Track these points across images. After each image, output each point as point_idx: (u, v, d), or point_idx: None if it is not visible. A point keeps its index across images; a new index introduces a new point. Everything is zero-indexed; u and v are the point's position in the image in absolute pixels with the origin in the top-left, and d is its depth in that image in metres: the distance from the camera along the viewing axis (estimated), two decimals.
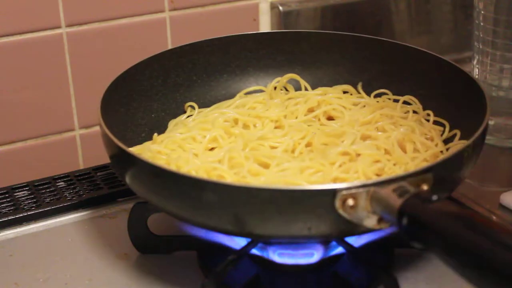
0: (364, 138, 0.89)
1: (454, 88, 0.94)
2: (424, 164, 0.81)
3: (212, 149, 0.90)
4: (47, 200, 0.99)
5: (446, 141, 0.91)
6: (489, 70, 1.09)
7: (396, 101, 0.98)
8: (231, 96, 1.03)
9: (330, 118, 0.97)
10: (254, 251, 0.83)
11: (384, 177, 0.76)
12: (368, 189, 0.69)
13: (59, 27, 1.07)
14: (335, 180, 0.80)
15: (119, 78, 0.93)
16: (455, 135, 0.90)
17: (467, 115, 0.89)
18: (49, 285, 0.85)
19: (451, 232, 0.61)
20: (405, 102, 0.98)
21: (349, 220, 0.70)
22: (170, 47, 1.15)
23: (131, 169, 0.78)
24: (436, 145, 0.88)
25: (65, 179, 1.04)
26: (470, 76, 0.91)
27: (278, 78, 1.04)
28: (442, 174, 0.74)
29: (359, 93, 1.02)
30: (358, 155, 0.85)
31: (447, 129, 0.92)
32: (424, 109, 0.96)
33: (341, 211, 0.69)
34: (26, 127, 1.09)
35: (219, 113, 0.96)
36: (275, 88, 1.02)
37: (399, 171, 0.82)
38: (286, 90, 1.03)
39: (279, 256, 0.83)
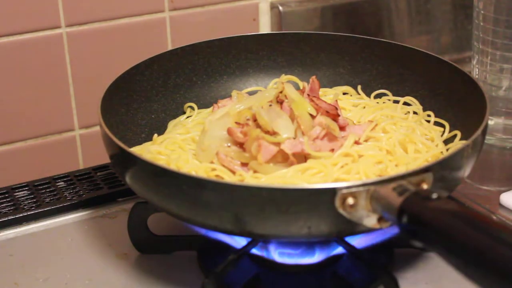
0: (366, 139, 0.89)
1: (453, 89, 0.94)
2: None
3: None
4: (47, 200, 0.99)
5: (447, 142, 0.91)
6: (489, 70, 1.09)
7: (396, 102, 0.98)
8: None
9: None
10: (254, 250, 0.83)
11: (384, 176, 0.76)
12: (368, 188, 0.69)
13: (59, 27, 1.07)
14: (336, 181, 0.80)
15: (119, 79, 0.93)
16: (455, 135, 0.90)
17: (467, 115, 0.89)
18: (49, 285, 0.85)
19: (452, 229, 0.61)
20: (405, 103, 0.98)
21: (349, 219, 0.70)
22: (170, 47, 1.15)
23: (132, 169, 0.78)
24: (437, 145, 0.88)
25: (65, 179, 1.04)
26: (470, 76, 0.91)
27: (276, 79, 1.04)
28: (441, 174, 0.74)
29: (358, 94, 1.02)
30: (360, 156, 0.85)
31: (447, 129, 0.92)
32: (424, 109, 0.96)
33: (341, 210, 0.70)
34: (26, 127, 1.09)
35: None
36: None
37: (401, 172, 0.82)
38: None
39: (279, 256, 0.83)
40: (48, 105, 1.10)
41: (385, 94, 1.01)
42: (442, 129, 0.93)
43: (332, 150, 0.84)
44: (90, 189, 1.01)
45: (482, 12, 1.07)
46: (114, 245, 0.91)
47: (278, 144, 0.83)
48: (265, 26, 1.22)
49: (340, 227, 0.72)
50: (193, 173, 0.82)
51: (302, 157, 0.83)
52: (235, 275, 0.82)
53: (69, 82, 1.10)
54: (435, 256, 0.85)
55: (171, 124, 0.98)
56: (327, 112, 0.88)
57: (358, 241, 0.83)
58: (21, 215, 0.96)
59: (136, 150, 0.89)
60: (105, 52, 1.11)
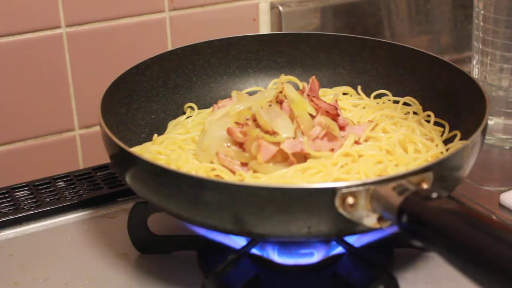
0: (366, 138, 0.89)
1: (453, 89, 0.94)
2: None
3: None
4: (47, 200, 0.99)
5: (447, 142, 0.91)
6: (488, 70, 1.09)
7: (396, 102, 0.98)
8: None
9: None
10: (254, 251, 0.83)
11: (384, 175, 0.76)
12: (367, 188, 0.69)
13: (59, 27, 1.07)
14: (336, 181, 0.80)
15: (119, 79, 0.93)
16: (455, 135, 0.90)
17: (467, 115, 0.89)
18: (49, 285, 0.85)
19: (452, 229, 0.61)
20: (405, 103, 0.98)
21: (349, 219, 0.70)
22: (170, 47, 1.15)
23: (132, 168, 0.78)
24: (437, 145, 0.88)
25: (65, 179, 1.04)
26: (470, 76, 0.91)
27: (275, 80, 1.05)
28: (441, 173, 0.74)
29: (358, 94, 1.02)
30: (360, 156, 0.85)
31: (447, 129, 0.92)
32: (423, 110, 0.96)
33: (341, 210, 0.70)
34: (26, 127, 1.10)
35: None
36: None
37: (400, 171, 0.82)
38: None
39: (279, 256, 0.83)
40: (48, 105, 1.10)
41: (385, 95, 1.01)
42: (442, 129, 0.93)
43: (332, 150, 0.84)
44: (90, 189, 1.01)
45: (482, 12, 1.07)
46: (114, 245, 0.91)
47: (277, 144, 0.83)
48: (265, 26, 1.22)
49: (340, 226, 0.72)
50: (193, 173, 0.82)
51: (302, 157, 0.83)
52: (235, 275, 0.82)
53: (69, 82, 1.10)
54: (435, 256, 0.85)
55: (171, 124, 0.98)
56: (327, 112, 0.88)
57: (357, 240, 0.84)
58: (21, 215, 0.96)
59: (136, 150, 0.89)
60: (105, 52, 1.11)
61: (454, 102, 0.94)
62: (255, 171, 0.82)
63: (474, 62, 1.11)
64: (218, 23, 1.18)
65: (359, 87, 1.03)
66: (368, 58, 1.04)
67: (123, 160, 0.79)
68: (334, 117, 0.88)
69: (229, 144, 0.86)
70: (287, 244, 0.83)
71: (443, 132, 0.92)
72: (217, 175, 0.83)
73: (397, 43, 1.03)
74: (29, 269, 0.87)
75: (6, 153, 1.09)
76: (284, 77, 1.04)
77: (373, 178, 0.74)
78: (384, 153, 0.86)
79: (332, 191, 0.69)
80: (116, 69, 0.94)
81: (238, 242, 0.83)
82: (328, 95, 1.01)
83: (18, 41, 1.05)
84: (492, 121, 1.09)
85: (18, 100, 1.08)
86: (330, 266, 0.84)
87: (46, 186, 1.02)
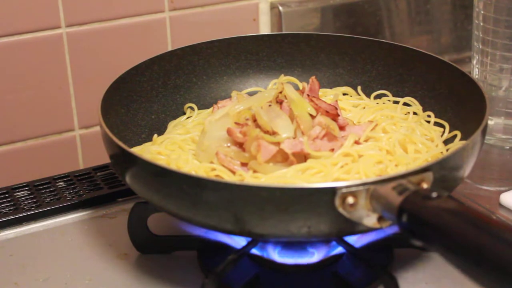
0: (366, 139, 0.89)
1: (453, 89, 0.94)
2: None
3: None
4: (47, 200, 0.99)
5: (447, 142, 0.91)
6: (489, 70, 1.09)
7: (396, 102, 0.98)
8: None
9: None
10: (254, 250, 0.83)
11: (384, 175, 0.76)
12: (367, 187, 0.69)
13: (59, 27, 1.07)
14: (336, 181, 0.80)
15: (119, 79, 0.93)
16: (455, 136, 0.90)
17: (467, 115, 0.89)
18: (49, 285, 0.85)
19: (452, 228, 0.61)
20: (405, 104, 0.98)
21: (349, 219, 0.70)
22: (170, 47, 1.15)
23: (132, 168, 0.78)
24: (437, 146, 0.88)
25: (65, 179, 1.04)
26: (470, 76, 0.91)
27: (275, 80, 1.05)
28: (441, 173, 0.74)
29: (358, 95, 1.02)
30: (360, 156, 0.85)
31: (447, 130, 0.92)
32: (424, 110, 0.96)
33: (341, 210, 0.70)
34: (26, 127, 1.09)
35: None
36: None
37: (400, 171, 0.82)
38: None
39: (279, 256, 0.83)
40: (48, 105, 1.10)
41: (385, 95, 1.01)
42: (442, 129, 0.93)
43: (332, 150, 0.84)
44: (90, 189, 1.01)
45: (482, 12, 1.07)
46: (114, 245, 0.91)
47: (277, 143, 0.83)
48: (265, 26, 1.22)
49: (340, 226, 0.72)
50: (193, 173, 0.82)
51: (302, 157, 0.83)
52: (235, 275, 0.82)
53: (69, 82, 1.10)
54: (435, 256, 0.85)
55: (171, 124, 0.98)
56: (327, 112, 0.88)
57: (357, 240, 0.84)
58: (21, 215, 0.96)
59: (136, 150, 0.89)
60: (105, 52, 1.11)
61: (454, 102, 0.94)
62: (255, 171, 0.82)
63: (474, 62, 1.11)
64: (218, 23, 1.18)
65: (359, 88, 1.03)
66: (368, 58, 1.04)
67: (123, 160, 0.79)
68: (334, 117, 0.88)
69: (229, 144, 0.86)
70: (287, 244, 0.83)
71: (443, 132, 0.92)
72: (217, 175, 0.83)
73: (397, 43, 1.03)
74: (29, 269, 0.87)
75: (6, 153, 1.09)
76: (284, 78, 1.04)
77: (373, 177, 0.74)
78: (384, 153, 0.86)
79: (332, 191, 0.69)
80: (116, 69, 0.94)
81: (238, 242, 0.84)
82: (328, 95, 1.01)
83: (18, 41, 1.05)
84: (492, 121, 1.09)
85: (18, 100, 1.08)
86: (330, 266, 0.84)
87: (46, 186, 1.02)
